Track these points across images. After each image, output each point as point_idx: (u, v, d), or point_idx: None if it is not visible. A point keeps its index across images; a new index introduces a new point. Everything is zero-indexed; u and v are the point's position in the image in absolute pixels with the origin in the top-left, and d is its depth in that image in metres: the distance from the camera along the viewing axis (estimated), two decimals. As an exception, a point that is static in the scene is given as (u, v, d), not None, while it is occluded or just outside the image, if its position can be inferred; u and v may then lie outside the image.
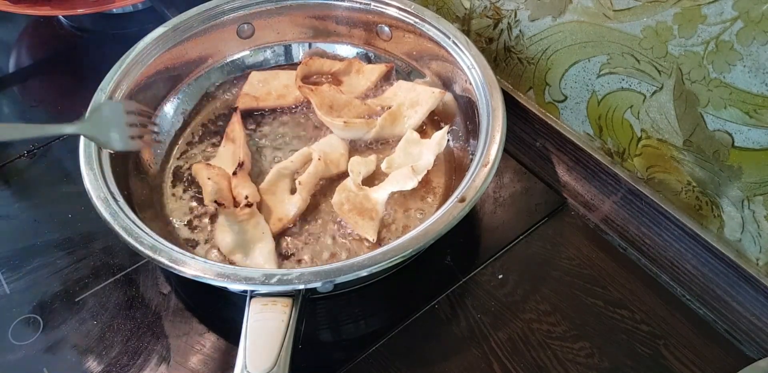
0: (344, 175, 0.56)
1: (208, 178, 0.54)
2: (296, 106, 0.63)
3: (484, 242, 0.56)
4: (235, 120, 0.59)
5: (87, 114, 0.50)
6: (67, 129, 0.47)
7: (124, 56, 0.55)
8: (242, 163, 0.55)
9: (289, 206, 0.54)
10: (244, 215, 0.51)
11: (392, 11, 0.60)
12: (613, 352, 0.49)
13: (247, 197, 0.52)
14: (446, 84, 0.60)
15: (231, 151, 0.58)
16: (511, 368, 0.49)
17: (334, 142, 0.59)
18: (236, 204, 0.53)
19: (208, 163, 0.56)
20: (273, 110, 0.63)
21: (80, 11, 0.69)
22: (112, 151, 0.50)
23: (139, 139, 0.51)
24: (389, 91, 0.62)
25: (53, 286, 0.53)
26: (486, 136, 0.49)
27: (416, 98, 0.59)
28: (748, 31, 0.39)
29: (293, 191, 0.55)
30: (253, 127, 0.61)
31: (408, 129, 0.58)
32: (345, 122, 0.57)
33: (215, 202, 0.52)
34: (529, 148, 0.63)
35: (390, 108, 0.59)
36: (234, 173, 0.54)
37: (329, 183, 0.57)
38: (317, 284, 0.41)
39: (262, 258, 0.51)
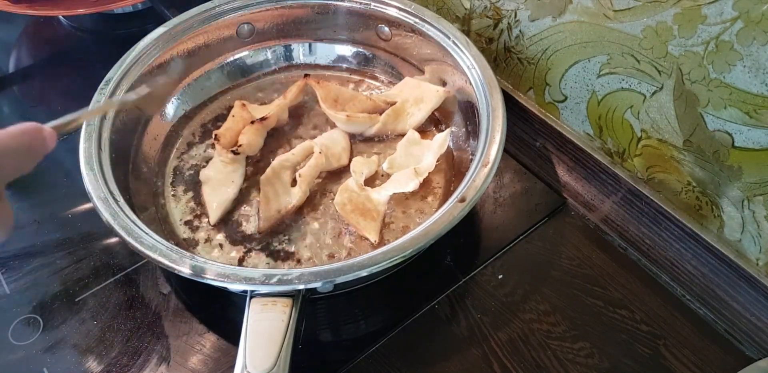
0: (345, 169, 0.57)
1: (232, 116, 0.58)
2: (299, 100, 0.63)
3: (484, 242, 0.56)
4: (299, 84, 0.61)
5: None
6: None
7: (124, 56, 0.55)
8: (266, 118, 0.57)
9: (289, 198, 0.54)
10: (226, 158, 0.55)
11: (392, 11, 0.60)
12: (613, 352, 0.49)
13: (240, 146, 0.55)
14: (446, 84, 0.60)
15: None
16: (511, 368, 0.49)
17: (336, 136, 0.59)
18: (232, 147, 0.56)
19: (244, 104, 0.59)
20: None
21: (80, 11, 0.69)
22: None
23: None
24: (395, 88, 0.62)
25: (53, 286, 0.53)
26: (486, 137, 0.49)
27: (421, 96, 0.59)
28: (748, 31, 0.39)
29: (293, 184, 0.55)
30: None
31: (409, 127, 0.59)
32: (348, 116, 0.57)
33: (215, 135, 0.56)
34: (529, 148, 0.63)
35: (394, 104, 0.59)
36: (252, 122, 0.57)
37: (330, 180, 0.57)
38: (317, 284, 0.41)
39: (217, 200, 0.54)
